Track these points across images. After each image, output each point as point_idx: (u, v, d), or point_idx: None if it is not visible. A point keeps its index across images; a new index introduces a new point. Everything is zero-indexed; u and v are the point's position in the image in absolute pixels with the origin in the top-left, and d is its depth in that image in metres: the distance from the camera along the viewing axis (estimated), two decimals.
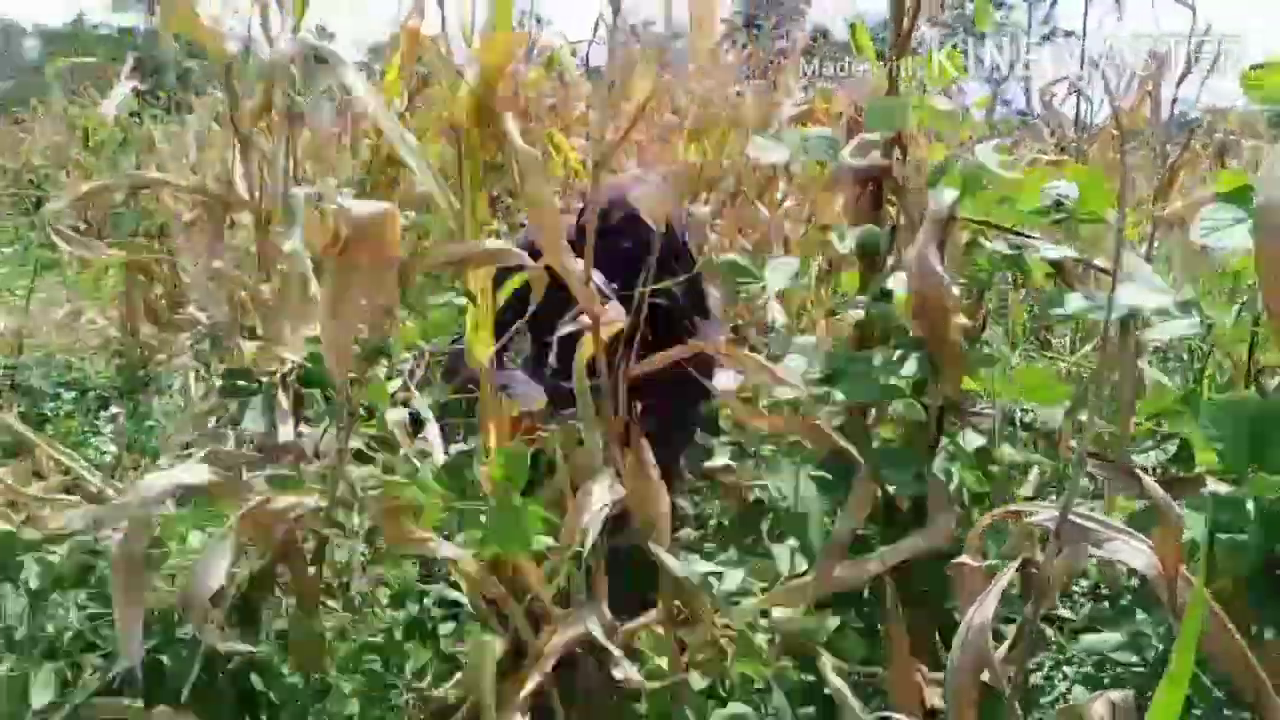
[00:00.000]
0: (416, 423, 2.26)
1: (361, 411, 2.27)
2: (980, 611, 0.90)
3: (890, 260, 1.82)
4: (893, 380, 1.62)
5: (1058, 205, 1.50)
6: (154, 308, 4.27)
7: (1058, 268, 1.61)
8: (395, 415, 2.26)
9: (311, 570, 1.74)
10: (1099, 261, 1.64)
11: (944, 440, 1.67)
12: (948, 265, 1.74)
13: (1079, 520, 0.94)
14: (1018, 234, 1.63)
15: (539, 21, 4.42)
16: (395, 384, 2.68)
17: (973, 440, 1.64)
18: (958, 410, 1.65)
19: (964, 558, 1.00)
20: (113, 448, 3.27)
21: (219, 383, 2.41)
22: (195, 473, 1.58)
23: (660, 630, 1.53)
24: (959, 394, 1.57)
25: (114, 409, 3.62)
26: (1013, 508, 1.02)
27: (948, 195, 1.53)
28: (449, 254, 1.63)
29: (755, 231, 3.15)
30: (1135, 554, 0.90)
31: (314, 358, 2.18)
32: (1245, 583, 1.14)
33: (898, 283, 1.70)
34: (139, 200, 4.66)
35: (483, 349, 1.70)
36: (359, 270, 1.41)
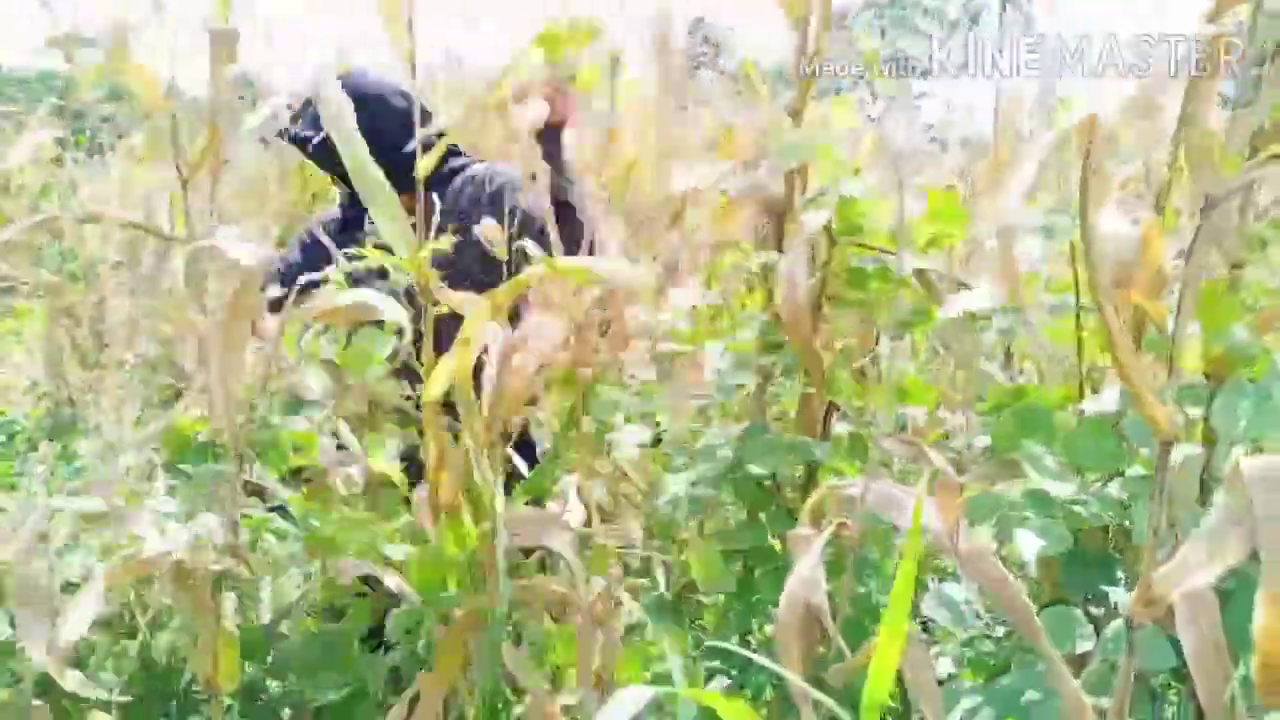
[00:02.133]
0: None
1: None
2: (804, 564, 1.08)
3: None
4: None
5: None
6: (80, 349, 4.35)
7: (923, 281, 1.82)
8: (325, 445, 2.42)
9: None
10: (959, 274, 1.86)
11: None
12: (832, 281, 1.96)
13: (879, 488, 1.14)
14: (886, 251, 1.84)
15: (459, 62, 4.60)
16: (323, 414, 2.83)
17: (844, 431, 1.85)
18: (837, 409, 1.86)
19: (799, 528, 1.19)
20: (40, 490, 3.34)
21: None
22: (91, 501, 1.74)
23: None
24: (823, 396, 1.77)
25: (43, 450, 3.68)
26: (833, 482, 1.21)
27: (815, 218, 1.74)
28: (317, 306, 1.75)
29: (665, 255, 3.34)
30: (927, 515, 1.09)
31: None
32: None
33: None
34: (61, 242, 4.73)
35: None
36: (244, 311, 1.54)
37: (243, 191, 5.89)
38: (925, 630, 2.27)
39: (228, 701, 2.00)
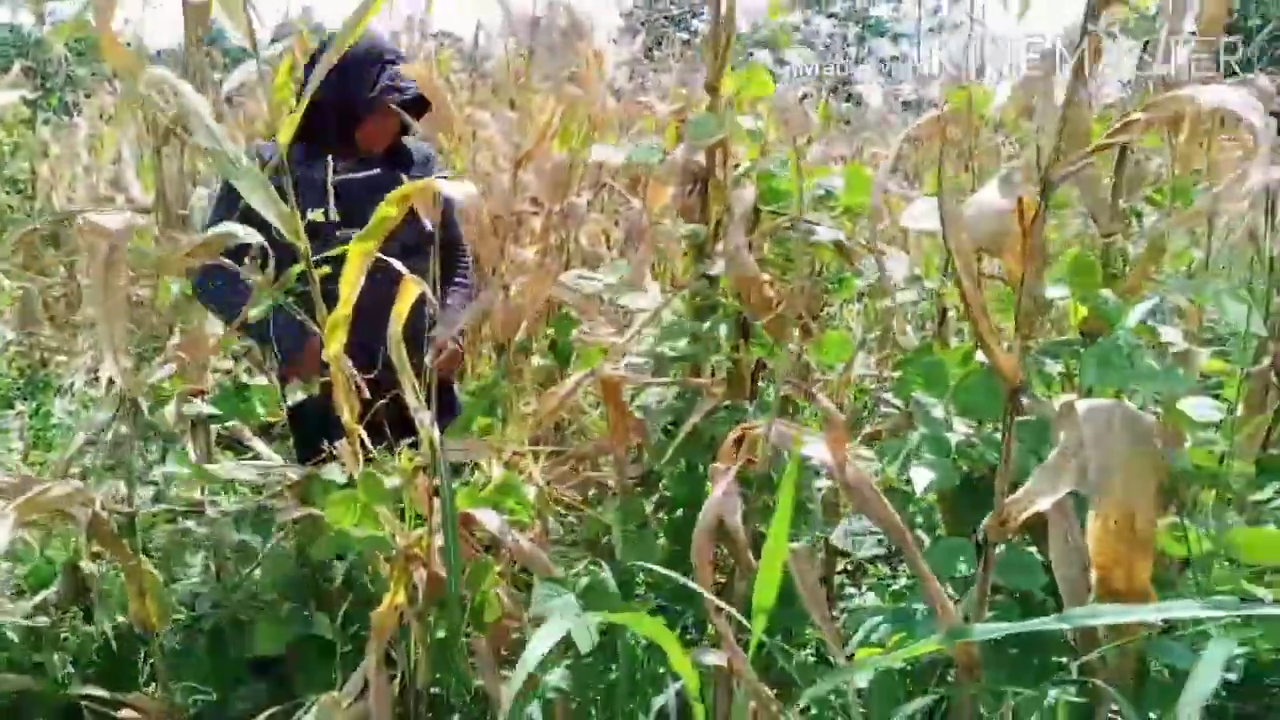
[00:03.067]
0: None
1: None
2: (718, 491, 1.26)
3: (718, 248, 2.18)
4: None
5: (826, 196, 1.88)
6: (52, 309, 4.46)
7: (842, 250, 1.99)
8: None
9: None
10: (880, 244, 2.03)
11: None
12: (766, 250, 2.12)
13: (779, 428, 1.31)
14: (809, 223, 2.00)
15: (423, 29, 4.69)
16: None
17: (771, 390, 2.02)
18: (765, 368, 2.03)
19: (717, 463, 1.36)
20: (19, 445, 3.48)
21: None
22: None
23: None
24: (769, 354, 1.94)
25: (19, 408, 3.81)
26: (746, 424, 1.38)
27: (747, 194, 1.90)
28: (183, 248, 1.90)
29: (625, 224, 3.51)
30: (818, 450, 1.27)
31: (223, 395, 2.46)
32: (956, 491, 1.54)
33: (718, 267, 2.06)
34: (33, 205, 4.83)
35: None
36: (116, 272, 1.70)
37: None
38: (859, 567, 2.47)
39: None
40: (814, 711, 1.51)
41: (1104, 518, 1.12)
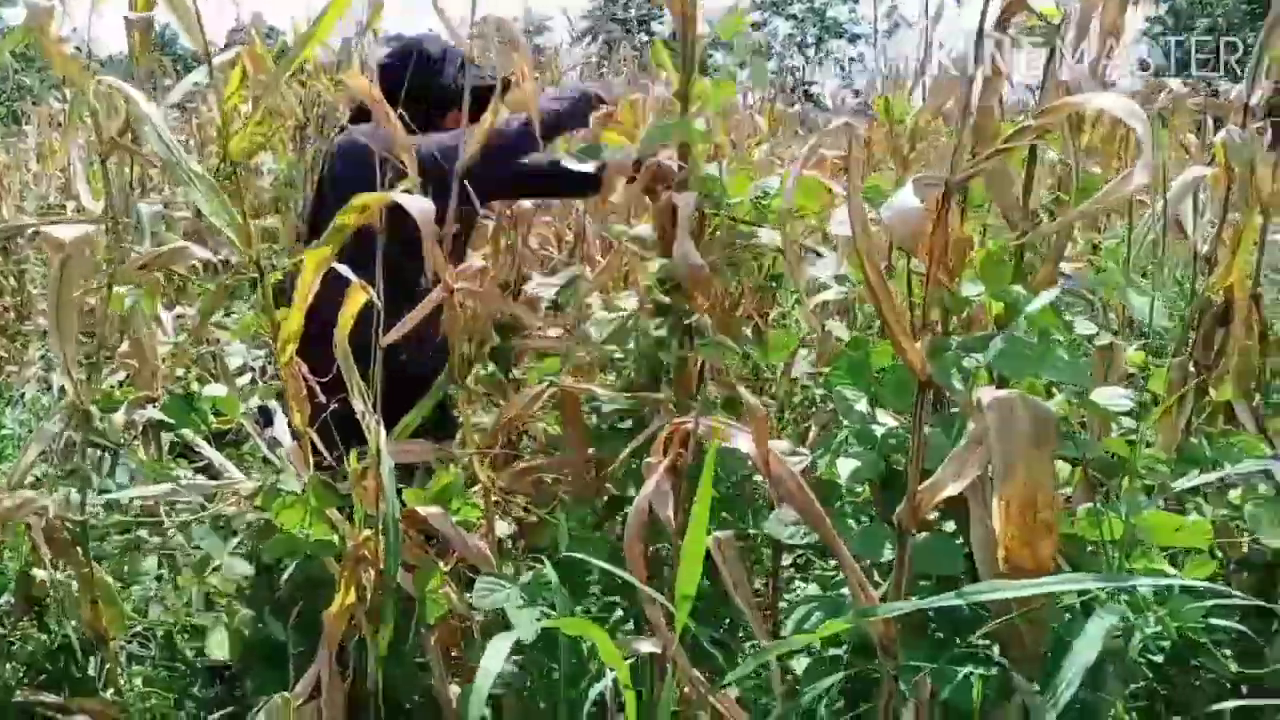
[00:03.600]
0: (266, 415, 2.59)
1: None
2: (649, 484, 1.32)
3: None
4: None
5: (762, 197, 1.95)
6: (1, 320, 4.45)
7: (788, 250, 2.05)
8: (245, 408, 2.60)
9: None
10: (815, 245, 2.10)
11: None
12: (714, 252, 2.18)
13: (711, 422, 1.37)
14: (750, 224, 2.07)
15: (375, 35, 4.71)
16: (244, 379, 3.02)
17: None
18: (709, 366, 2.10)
19: (649, 458, 1.42)
20: None
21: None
22: None
23: None
24: (715, 355, 2.00)
25: None
26: (679, 420, 1.44)
27: (688, 198, 1.96)
28: (136, 261, 1.96)
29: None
30: (743, 441, 1.33)
31: (172, 402, 2.49)
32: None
33: (657, 268, 2.12)
34: None
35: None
36: (71, 282, 1.75)
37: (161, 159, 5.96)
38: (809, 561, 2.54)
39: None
40: (741, 694, 1.57)
41: (1008, 501, 1.19)
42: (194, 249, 1.88)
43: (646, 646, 1.36)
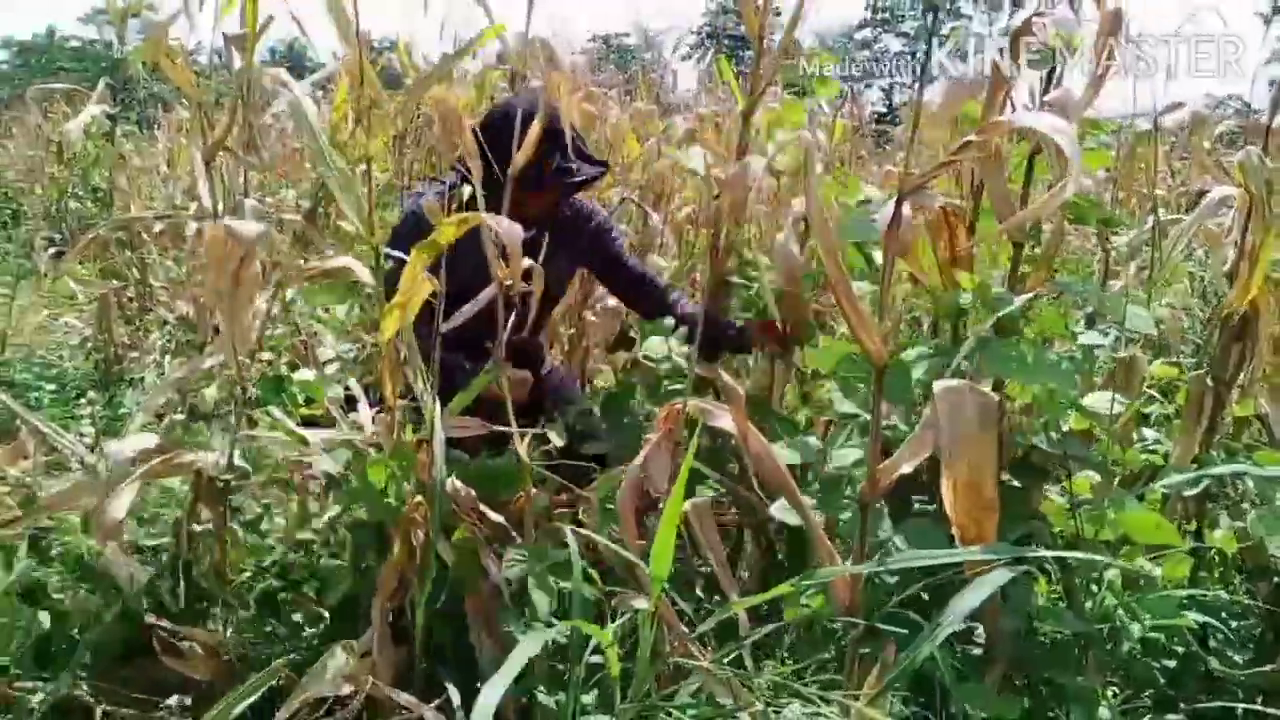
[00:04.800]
0: (351, 402, 2.85)
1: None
2: (641, 456, 1.49)
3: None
4: None
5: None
6: (126, 309, 4.86)
7: None
8: (332, 394, 2.87)
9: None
10: None
11: None
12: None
13: (696, 402, 1.54)
14: None
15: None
16: (333, 367, 3.30)
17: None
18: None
19: (648, 436, 1.60)
20: (90, 430, 3.84)
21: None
22: (145, 440, 2.19)
23: None
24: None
25: (91, 396, 4.19)
26: (677, 402, 1.60)
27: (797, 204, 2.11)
28: (307, 269, 2.21)
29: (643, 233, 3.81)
30: (724, 420, 1.49)
31: (265, 382, 2.78)
32: None
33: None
34: (110, 210, 5.25)
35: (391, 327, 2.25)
36: (244, 278, 1.99)
37: (278, 164, 6.40)
38: None
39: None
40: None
41: (955, 481, 1.34)
42: (354, 265, 2.10)
43: (639, 603, 1.54)
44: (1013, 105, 1.61)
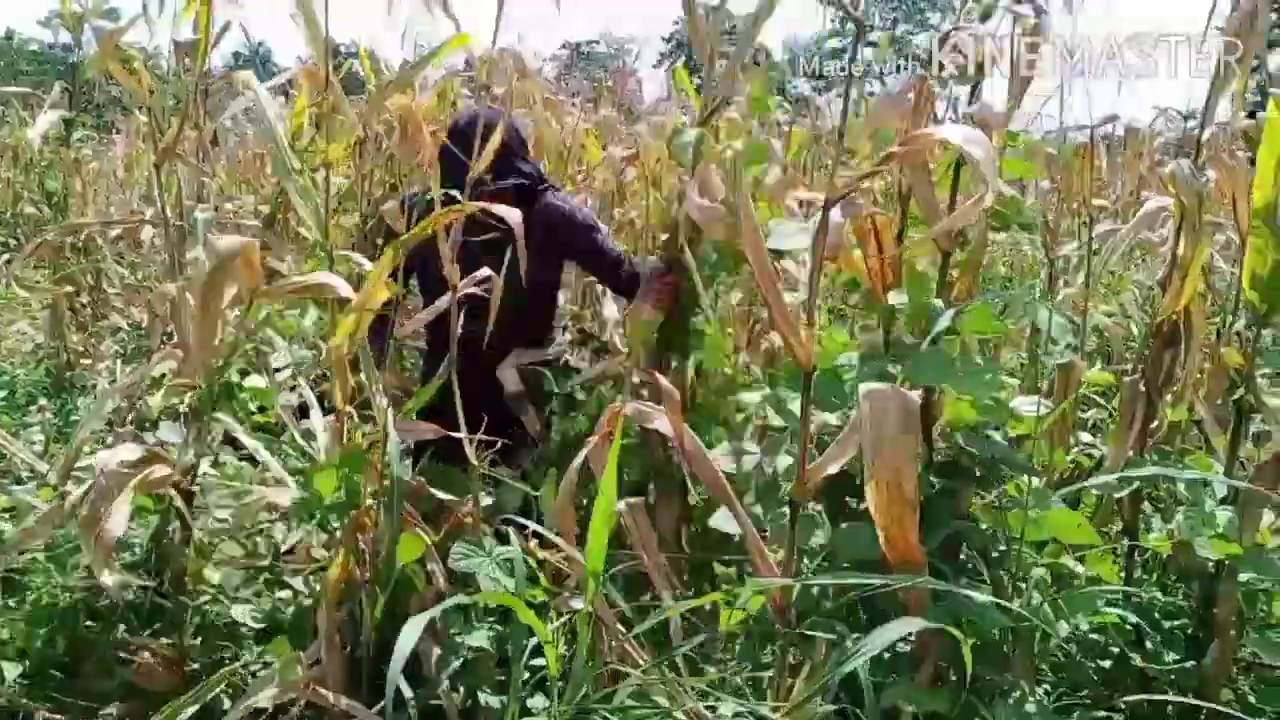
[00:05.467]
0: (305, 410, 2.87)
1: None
2: (582, 454, 1.54)
3: None
4: None
5: None
6: (79, 315, 4.85)
7: None
8: (283, 402, 2.89)
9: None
10: None
11: None
12: None
13: (634, 405, 1.58)
14: None
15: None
16: (285, 374, 3.32)
17: None
18: None
19: (592, 437, 1.64)
20: (40, 438, 3.83)
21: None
22: (133, 450, 2.21)
23: None
24: None
25: (42, 403, 4.18)
26: (612, 405, 1.65)
27: None
28: (285, 285, 2.23)
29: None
30: (661, 423, 1.54)
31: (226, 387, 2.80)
32: None
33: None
34: (64, 216, 5.22)
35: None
36: (219, 291, 2.02)
37: (237, 169, 6.39)
38: None
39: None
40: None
41: (877, 482, 1.39)
42: (335, 282, 2.12)
43: (576, 604, 1.58)
44: (936, 118, 1.67)
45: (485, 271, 2.05)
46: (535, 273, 2.68)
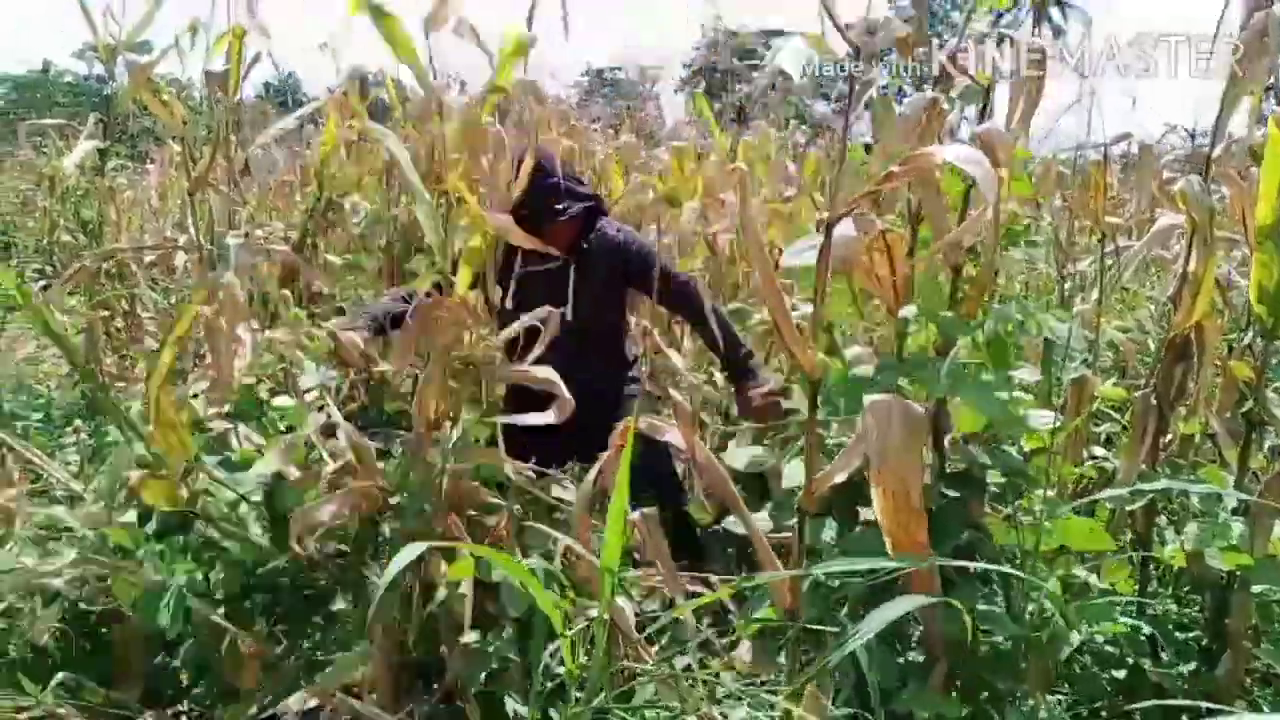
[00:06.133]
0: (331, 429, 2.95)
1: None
2: (595, 469, 1.60)
3: None
4: None
5: None
6: (114, 339, 4.96)
7: None
8: (312, 422, 2.98)
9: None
10: None
11: None
12: None
13: (652, 420, 1.64)
14: None
15: (463, 85, 5.14)
16: (312, 395, 3.40)
17: None
18: None
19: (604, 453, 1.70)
20: (75, 458, 3.92)
21: None
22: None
23: None
24: None
25: (78, 424, 4.28)
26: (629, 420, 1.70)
27: None
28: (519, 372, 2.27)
29: None
30: (674, 436, 1.59)
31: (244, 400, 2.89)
32: None
33: None
34: (99, 242, 5.36)
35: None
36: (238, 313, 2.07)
37: (268, 196, 6.53)
38: None
39: None
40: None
41: (884, 490, 1.43)
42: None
43: (594, 611, 1.63)
44: (940, 138, 1.73)
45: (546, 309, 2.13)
46: (600, 295, 2.78)
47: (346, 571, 2.49)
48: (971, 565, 1.50)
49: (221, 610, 2.30)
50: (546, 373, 1.96)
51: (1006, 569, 1.72)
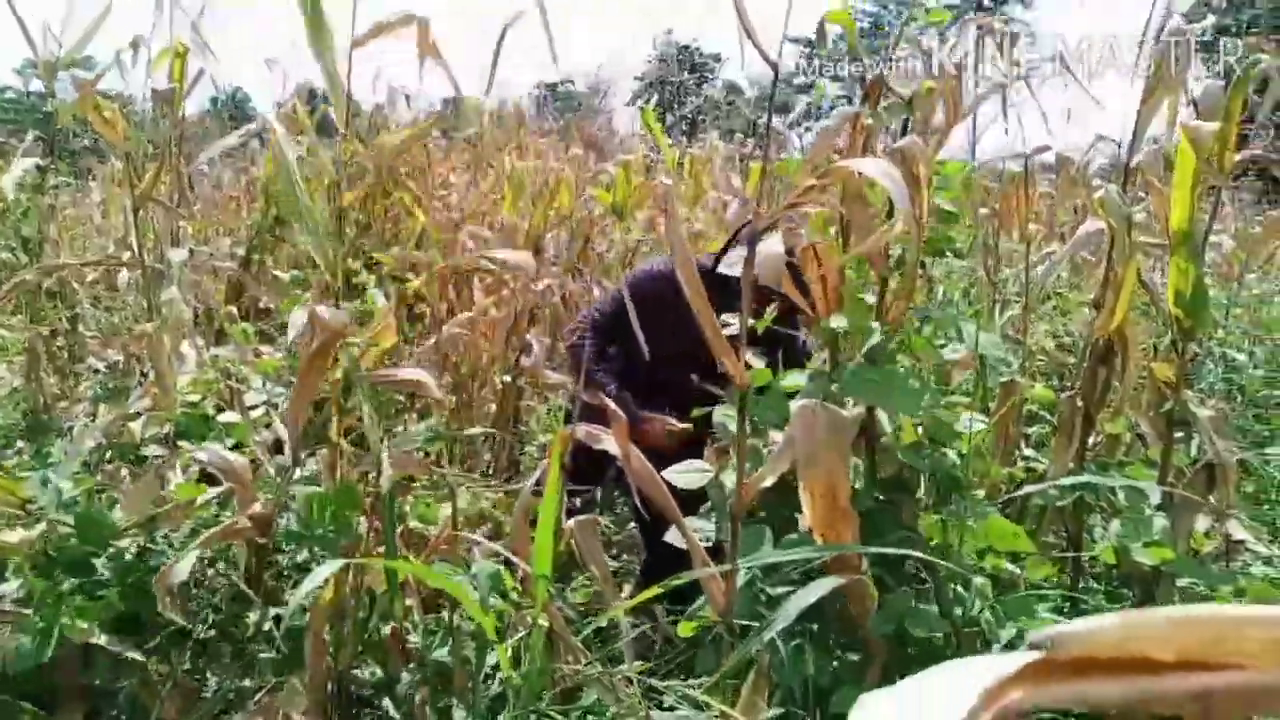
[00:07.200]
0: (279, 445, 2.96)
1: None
2: (533, 478, 1.64)
3: None
4: None
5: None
6: (56, 358, 4.92)
7: None
8: (259, 439, 2.98)
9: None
10: None
11: None
12: None
13: (589, 429, 1.68)
14: None
15: (408, 99, 5.18)
16: (259, 412, 3.40)
17: None
18: None
19: (542, 459, 1.73)
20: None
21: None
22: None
23: None
24: None
25: (20, 446, 4.23)
26: (567, 428, 1.74)
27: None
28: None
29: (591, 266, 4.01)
30: (609, 444, 1.63)
31: (188, 416, 2.89)
32: None
33: None
34: (40, 261, 5.30)
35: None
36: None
37: (213, 212, 6.50)
38: None
39: None
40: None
41: (812, 491, 1.49)
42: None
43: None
44: (872, 150, 1.79)
45: None
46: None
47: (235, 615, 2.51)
48: (891, 552, 1.55)
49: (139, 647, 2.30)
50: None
51: (934, 559, 1.78)
